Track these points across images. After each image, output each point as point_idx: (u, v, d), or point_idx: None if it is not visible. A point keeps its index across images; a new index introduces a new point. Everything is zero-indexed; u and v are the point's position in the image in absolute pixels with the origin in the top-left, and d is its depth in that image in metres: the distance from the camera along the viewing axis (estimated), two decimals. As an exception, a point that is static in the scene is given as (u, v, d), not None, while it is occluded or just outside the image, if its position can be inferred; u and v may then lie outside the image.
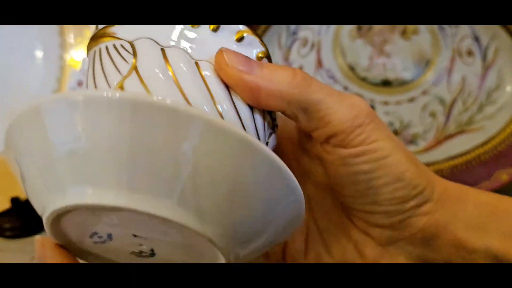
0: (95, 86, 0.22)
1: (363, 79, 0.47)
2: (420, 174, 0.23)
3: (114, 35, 0.22)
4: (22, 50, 0.45)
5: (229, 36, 0.23)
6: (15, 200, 0.41)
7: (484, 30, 0.45)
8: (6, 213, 0.41)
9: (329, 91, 0.23)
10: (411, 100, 0.47)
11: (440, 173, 0.45)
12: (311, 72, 0.46)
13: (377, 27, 0.46)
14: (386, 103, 0.47)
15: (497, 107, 0.46)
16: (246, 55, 0.22)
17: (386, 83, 0.47)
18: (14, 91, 0.45)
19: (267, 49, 0.24)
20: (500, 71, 0.46)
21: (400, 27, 0.46)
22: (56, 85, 0.45)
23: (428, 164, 0.46)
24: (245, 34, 0.23)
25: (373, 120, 0.23)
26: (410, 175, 0.22)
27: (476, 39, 0.46)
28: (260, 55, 0.23)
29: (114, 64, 0.22)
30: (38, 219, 0.38)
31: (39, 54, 0.45)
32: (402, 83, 0.47)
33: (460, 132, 0.47)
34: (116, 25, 0.23)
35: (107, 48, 0.22)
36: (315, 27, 0.45)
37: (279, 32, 0.45)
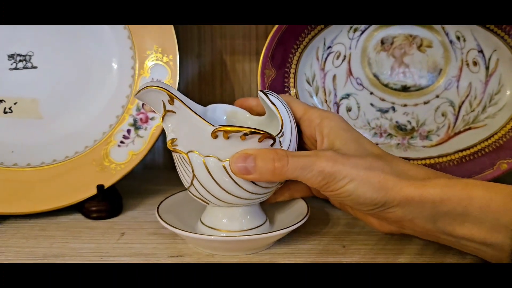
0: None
1: (386, 85, 0.55)
2: (379, 197, 0.36)
3: (177, 149, 0.40)
4: (101, 61, 0.53)
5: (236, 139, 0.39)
6: (100, 187, 0.49)
7: (487, 44, 0.54)
8: (93, 198, 0.49)
9: (356, 165, 0.38)
10: (426, 102, 0.56)
11: (451, 163, 0.54)
12: (343, 79, 0.55)
13: (397, 42, 0.54)
14: (405, 105, 0.56)
15: (498, 108, 0.55)
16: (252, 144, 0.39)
17: (405, 89, 0.56)
18: (93, 93, 0.53)
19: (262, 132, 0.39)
20: (501, 78, 0.54)
21: (417, 41, 0.54)
22: (128, 91, 0.53)
23: (440, 156, 0.54)
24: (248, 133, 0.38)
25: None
26: (371, 201, 0.36)
27: (481, 51, 0.54)
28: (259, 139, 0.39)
29: (184, 170, 0.41)
30: (119, 204, 0.50)
31: (114, 65, 0.53)
32: (419, 89, 0.56)
33: (468, 129, 0.55)
34: (177, 139, 0.40)
35: (177, 157, 0.41)
36: (347, 42, 0.54)
37: (317, 46, 0.53)
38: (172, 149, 0.41)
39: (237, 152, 0.39)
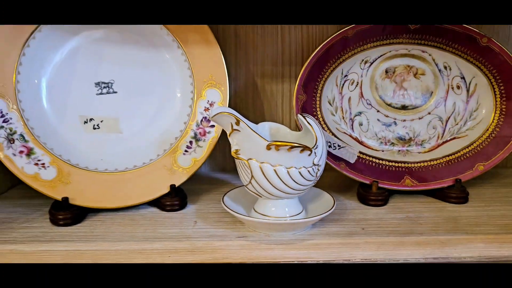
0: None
1: (389, 105, 0.70)
2: None
3: (240, 157, 0.55)
4: (167, 86, 0.67)
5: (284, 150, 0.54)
6: (173, 186, 0.63)
7: (467, 72, 0.69)
8: (166, 195, 0.63)
9: None
10: (421, 118, 0.71)
11: (440, 165, 0.69)
12: (356, 100, 0.69)
13: (398, 71, 0.69)
14: (404, 120, 0.71)
15: (477, 122, 0.70)
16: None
17: (404, 107, 0.71)
18: (162, 113, 0.67)
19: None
20: (478, 98, 0.70)
21: (413, 70, 0.70)
22: (189, 110, 0.67)
23: (431, 160, 0.70)
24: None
25: None
26: None
27: (463, 78, 0.69)
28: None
29: (244, 172, 0.56)
30: (185, 199, 0.65)
31: (178, 89, 0.68)
32: (415, 107, 0.71)
33: (453, 138, 0.71)
34: (240, 150, 0.56)
35: (239, 163, 0.56)
36: (359, 72, 0.69)
37: (336, 75, 0.68)
38: (236, 157, 0.56)
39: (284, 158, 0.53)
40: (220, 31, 0.76)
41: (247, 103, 0.80)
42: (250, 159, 0.55)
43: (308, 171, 0.55)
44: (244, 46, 0.77)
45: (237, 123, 0.54)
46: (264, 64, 0.78)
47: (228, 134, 0.56)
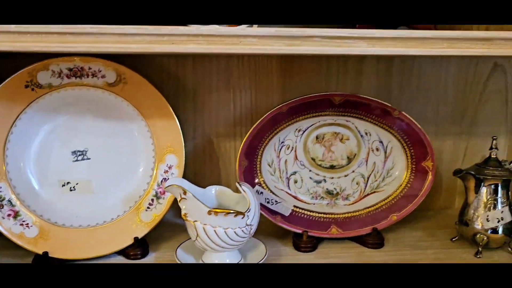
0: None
1: (319, 165, 0.84)
2: None
3: (188, 219, 0.69)
4: (133, 153, 0.80)
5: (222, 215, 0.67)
6: (136, 239, 0.76)
7: (384, 137, 0.83)
8: (130, 246, 0.76)
9: None
10: (346, 175, 0.85)
11: (361, 216, 0.83)
12: (291, 162, 0.83)
13: (327, 137, 0.83)
14: (332, 178, 0.85)
15: (392, 179, 0.84)
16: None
17: (332, 167, 0.85)
18: (128, 176, 0.80)
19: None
20: (394, 159, 0.84)
21: (340, 136, 0.83)
22: (151, 172, 0.80)
23: (354, 211, 0.83)
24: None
25: None
26: None
27: (381, 142, 0.84)
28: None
29: (192, 231, 0.74)
30: (147, 248, 0.75)
31: (141, 154, 0.81)
32: (341, 167, 0.85)
33: (372, 192, 0.85)
34: (187, 213, 0.68)
35: (188, 224, 0.68)
36: (294, 138, 0.82)
37: (274, 142, 0.81)
38: (185, 219, 0.69)
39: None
40: (181, 98, 0.89)
41: (205, 158, 0.93)
42: (196, 221, 0.68)
43: (242, 230, 0.68)
44: (201, 111, 0.91)
45: (185, 193, 0.67)
46: (219, 125, 0.92)
47: (178, 201, 0.69)
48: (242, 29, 0.57)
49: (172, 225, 0.90)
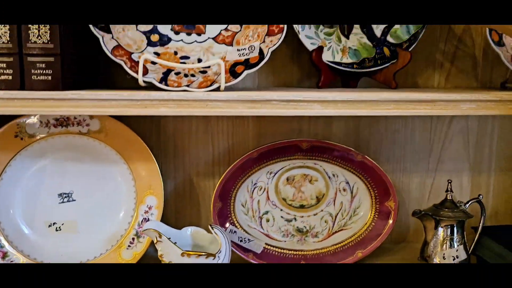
0: None
1: (290, 205, 0.90)
2: None
3: (163, 259, 0.74)
4: (115, 195, 0.86)
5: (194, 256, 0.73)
6: (116, 276, 0.82)
7: (350, 179, 0.89)
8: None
9: None
10: (315, 214, 0.91)
11: (329, 252, 0.88)
12: (264, 202, 0.89)
13: (297, 179, 0.89)
14: (302, 217, 0.90)
15: (358, 217, 0.90)
16: None
17: (302, 206, 0.91)
18: (110, 217, 0.86)
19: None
20: (360, 199, 0.90)
21: (309, 178, 0.89)
22: (132, 213, 0.86)
23: (322, 248, 0.89)
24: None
25: None
26: None
27: (347, 183, 0.90)
28: None
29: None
30: None
31: (123, 197, 0.86)
32: (310, 206, 0.91)
33: (340, 230, 0.91)
34: (163, 254, 0.74)
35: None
36: (266, 180, 0.88)
37: (247, 184, 0.88)
38: (160, 259, 0.74)
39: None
40: (162, 140, 0.96)
41: (185, 195, 0.99)
42: (170, 261, 0.73)
43: (214, 270, 0.74)
44: (181, 152, 0.97)
45: (160, 236, 0.73)
46: (198, 165, 0.98)
47: (155, 243, 0.75)
48: (208, 94, 0.63)
49: (154, 260, 0.96)
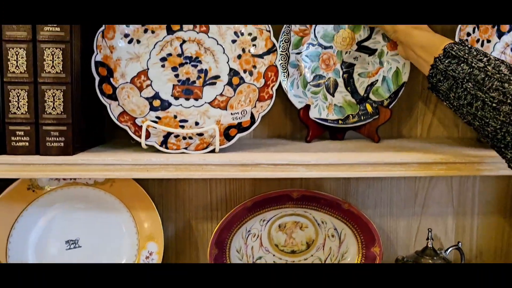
0: None
1: (282, 250, 0.96)
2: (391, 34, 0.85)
3: None
4: (118, 244, 0.92)
5: None
6: (119, 319, 0.87)
7: (338, 226, 0.95)
8: None
9: None
10: (306, 259, 0.97)
11: (319, 296, 0.94)
12: (257, 248, 0.95)
13: (288, 225, 0.95)
14: (293, 261, 0.96)
15: (347, 261, 0.96)
16: None
17: (293, 252, 0.97)
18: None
19: None
20: (347, 244, 0.96)
21: (300, 225, 0.96)
22: (134, 258, 0.92)
23: None
24: None
25: None
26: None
27: (336, 229, 0.96)
28: None
29: None
30: None
31: (127, 246, 0.93)
32: (301, 251, 0.97)
33: (329, 274, 0.96)
34: None
35: None
36: (259, 227, 0.95)
37: (242, 232, 0.94)
38: None
39: None
40: (163, 188, 1.02)
41: (185, 238, 1.05)
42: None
43: (209, 316, 0.79)
44: (182, 198, 1.03)
45: (160, 284, 0.79)
46: (197, 210, 1.04)
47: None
48: (203, 158, 0.70)
49: None
